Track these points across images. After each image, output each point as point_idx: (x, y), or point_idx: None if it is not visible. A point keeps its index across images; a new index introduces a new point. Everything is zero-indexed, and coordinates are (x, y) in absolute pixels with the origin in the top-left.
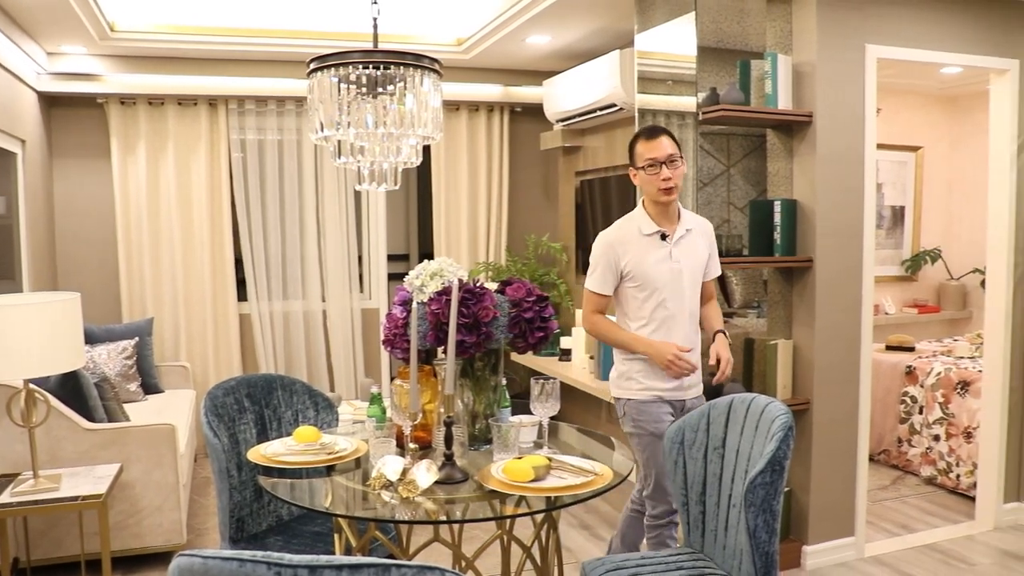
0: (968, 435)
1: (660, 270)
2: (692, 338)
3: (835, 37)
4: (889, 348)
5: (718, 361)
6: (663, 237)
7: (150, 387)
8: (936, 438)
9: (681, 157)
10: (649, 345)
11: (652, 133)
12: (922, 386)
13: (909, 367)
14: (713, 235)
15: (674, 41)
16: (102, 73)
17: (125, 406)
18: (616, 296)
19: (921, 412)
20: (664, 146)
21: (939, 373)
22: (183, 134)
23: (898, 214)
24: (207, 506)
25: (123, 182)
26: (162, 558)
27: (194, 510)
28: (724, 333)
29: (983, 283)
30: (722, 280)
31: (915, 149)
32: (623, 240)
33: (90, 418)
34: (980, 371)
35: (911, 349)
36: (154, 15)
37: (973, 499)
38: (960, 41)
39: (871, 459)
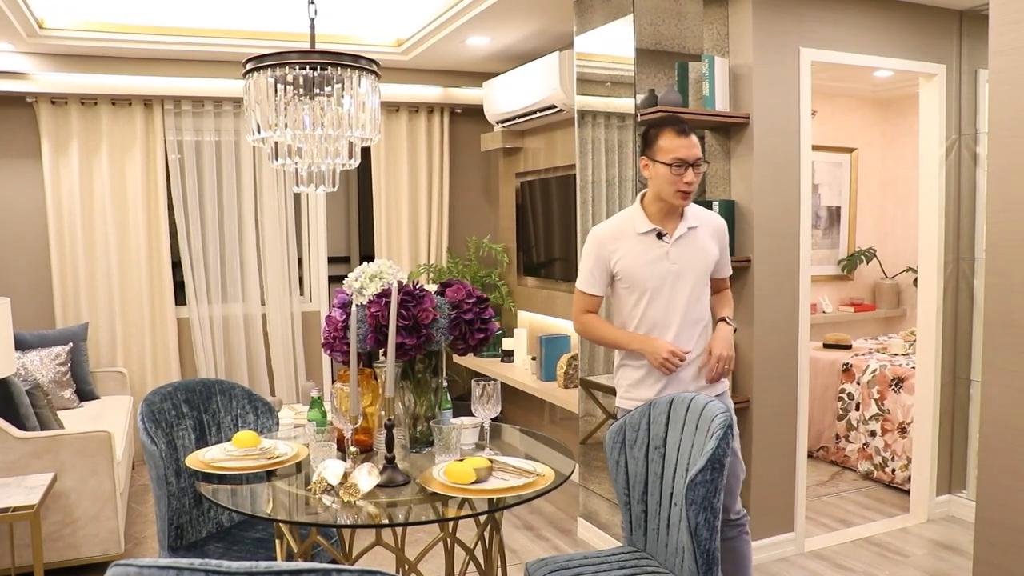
0: (903, 430)
1: (653, 271)
2: (691, 345)
3: (770, 40)
4: (826, 346)
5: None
6: (659, 236)
7: (85, 394)
8: (872, 434)
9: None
10: (644, 341)
11: (682, 129)
12: (858, 383)
13: (846, 365)
14: (726, 233)
15: (612, 43)
16: (31, 72)
17: (60, 413)
18: (609, 296)
19: (858, 409)
20: (694, 146)
21: (874, 370)
22: (117, 135)
23: (834, 214)
24: (146, 514)
25: (55, 184)
26: (99, 568)
27: (132, 519)
28: (727, 320)
29: (915, 282)
30: None
31: (850, 150)
32: (616, 237)
33: (22, 426)
34: (913, 368)
35: (848, 347)
36: (85, 12)
37: (908, 492)
38: (891, 46)
39: (810, 455)
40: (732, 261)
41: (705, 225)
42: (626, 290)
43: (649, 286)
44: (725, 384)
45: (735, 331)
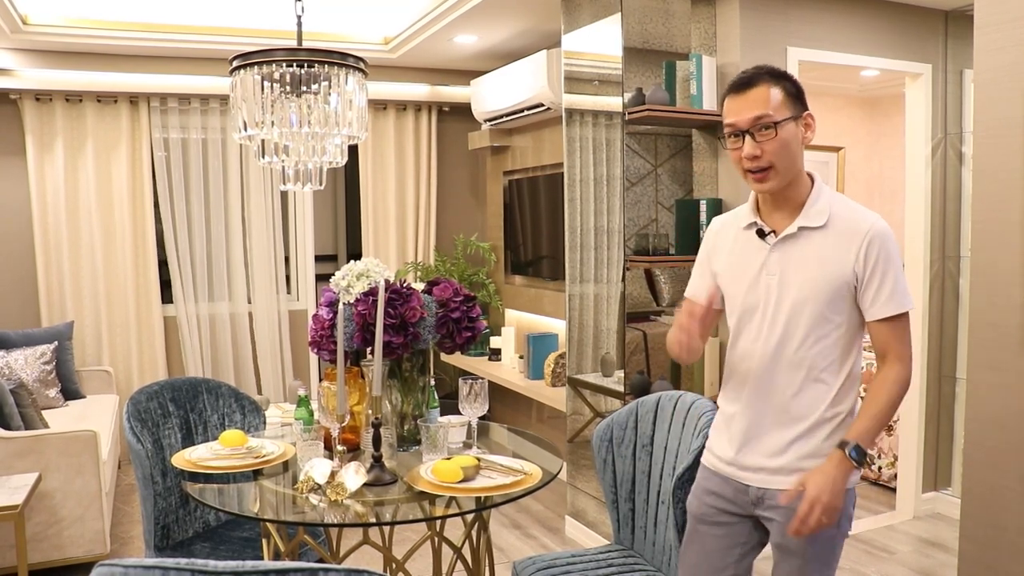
0: (889, 428)
1: (746, 281)
2: (785, 403)
3: (758, 39)
4: None
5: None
6: (761, 233)
7: (71, 393)
8: None
9: (789, 119)
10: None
11: (740, 85)
12: None
13: None
14: (879, 243)
15: (600, 42)
16: (15, 68)
17: (44, 413)
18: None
19: None
20: (749, 105)
21: (861, 368)
22: (103, 132)
23: None
24: (131, 514)
25: (40, 181)
26: (84, 569)
27: (118, 518)
28: (848, 454)
29: None
30: (650, 279)
31: (837, 150)
32: (723, 230)
33: (6, 426)
34: None
35: None
36: (70, 9)
37: (894, 490)
38: (877, 45)
39: None
40: None
41: (838, 225)
42: (724, 303)
43: (739, 302)
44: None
45: (860, 465)
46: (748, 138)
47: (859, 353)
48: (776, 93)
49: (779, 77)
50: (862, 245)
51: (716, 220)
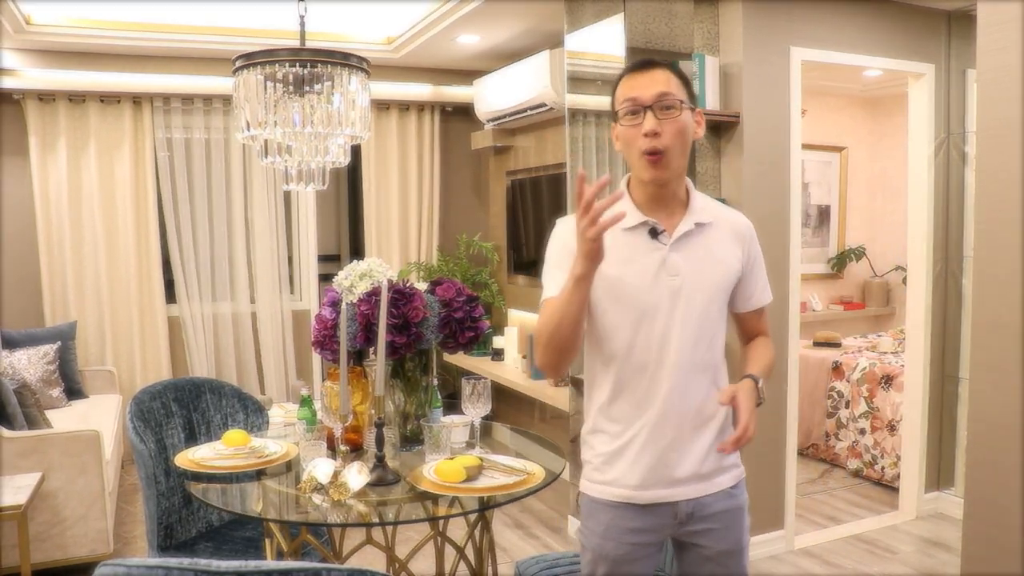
0: (892, 428)
1: (643, 285)
2: (694, 404)
3: (761, 39)
4: (816, 344)
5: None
6: (654, 233)
7: (74, 392)
8: (862, 431)
9: (692, 108)
10: (573, 267)
11: (641, 66)
12: (848, 381)
13: (836, 363)
14: (755, 239)
15: (603, 42)
16: (18, 68)
17: (48, 412)
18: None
19: (847, 406)
20: (653, 82)
21: (864, 368)
22: (106, 132)
23: (824, 213)
24: (135, 514)
25: (43, 181)
26: (87, 569)
27: (121, 518)
28: (756, 381)
29: (905, 280)
30: None
31: (840, 149)
32: None
33: (9, 426)
34: (902, 366)
35: (837, 345)
36: (73, 9)
37: (897, 490)
38: (880, 45)
39: (800, 453)
40: None
41: (722, 223)
42: (603, 314)
43: (638, 308)
44: (742, 468)
45: (760, 403)
46: (650, 114)
47: None
48: (675, 80)
49: (676, 69)
50: (745, 241)
51: (568, 225)
